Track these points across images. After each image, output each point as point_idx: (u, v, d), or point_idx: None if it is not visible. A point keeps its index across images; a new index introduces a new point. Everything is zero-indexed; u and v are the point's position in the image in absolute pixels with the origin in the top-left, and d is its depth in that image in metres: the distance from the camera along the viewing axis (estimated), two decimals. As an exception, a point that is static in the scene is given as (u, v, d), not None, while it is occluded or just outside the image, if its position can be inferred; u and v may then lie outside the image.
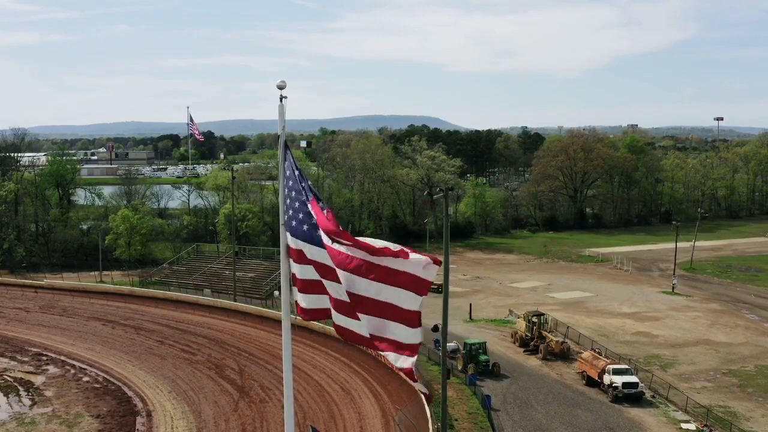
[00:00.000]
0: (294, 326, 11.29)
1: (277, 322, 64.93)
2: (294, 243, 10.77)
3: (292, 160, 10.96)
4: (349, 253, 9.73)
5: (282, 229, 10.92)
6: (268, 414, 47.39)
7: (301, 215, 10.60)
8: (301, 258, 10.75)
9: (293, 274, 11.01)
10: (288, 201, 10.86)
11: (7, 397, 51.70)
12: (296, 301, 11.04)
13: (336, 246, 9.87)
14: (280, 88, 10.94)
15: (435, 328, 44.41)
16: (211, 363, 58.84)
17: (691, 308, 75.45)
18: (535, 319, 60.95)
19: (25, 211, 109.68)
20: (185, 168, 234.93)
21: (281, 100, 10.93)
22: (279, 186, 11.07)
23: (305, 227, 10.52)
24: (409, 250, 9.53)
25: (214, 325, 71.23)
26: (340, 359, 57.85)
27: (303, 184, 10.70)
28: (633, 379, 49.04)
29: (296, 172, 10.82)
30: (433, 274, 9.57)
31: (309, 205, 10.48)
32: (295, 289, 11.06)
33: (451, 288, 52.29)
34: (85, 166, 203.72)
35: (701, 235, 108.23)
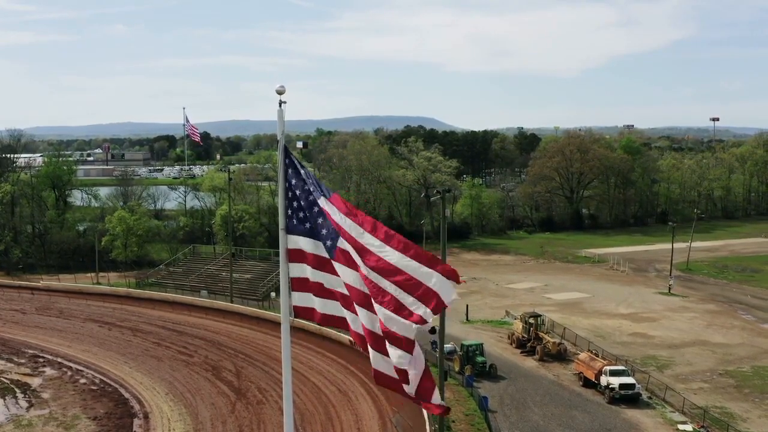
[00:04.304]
0: (291, 328, 11.26)
1: (274, 324, 64.96)
2: (293, 242, 10.75)
3: (294, 161, 10.80)
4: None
5: (281, 233, 10.86)
6: (265, 416, 47.41)
7: (304, 213, 10.58)
8: (297, 256, 10.75)
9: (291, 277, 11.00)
10: (291, 202, 10.77)
11: (4, 399, 51.67)
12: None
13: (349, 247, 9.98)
14: (280, 93, 10.74)
15: (432, 330, 44.35)
16: (208, 365, 58.82)
17: (687, 309, 75.53)
18: (531, 320, 60.99)
19: (21, 212, 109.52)
20: (181, 169, 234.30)
21: (280, 105, 10.79)
22: (279, 190, 10.96)
23: (308, 225, 10.52)
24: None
25: (211, 326, 71.20)
26: (337, 361, 57.87)
27: (310, 181, 10.60)
28: (630, 380, 49.10)
29: (302, 171, 10.70)
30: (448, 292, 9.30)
31: (319, 203, 10.40)
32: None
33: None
34: (82, 167, 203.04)
35: (697, 236, 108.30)
